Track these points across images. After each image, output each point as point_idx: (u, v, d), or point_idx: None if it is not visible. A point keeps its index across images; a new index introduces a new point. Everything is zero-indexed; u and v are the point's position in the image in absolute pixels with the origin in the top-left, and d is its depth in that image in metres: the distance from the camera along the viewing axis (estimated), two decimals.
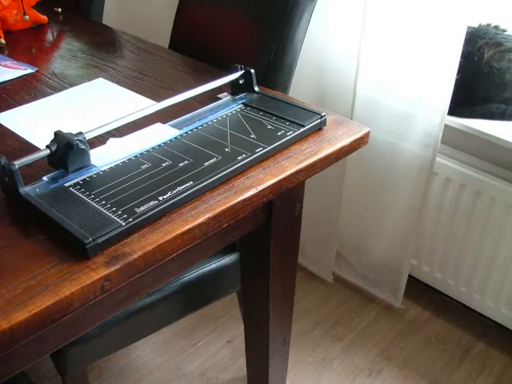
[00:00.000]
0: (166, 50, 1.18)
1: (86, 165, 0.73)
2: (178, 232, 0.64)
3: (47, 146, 0.71)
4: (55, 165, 0.72)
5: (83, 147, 0.71)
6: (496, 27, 1.34)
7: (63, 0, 1.42)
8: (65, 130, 0.72)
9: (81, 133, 0.72)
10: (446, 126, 1.29)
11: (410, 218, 1.43)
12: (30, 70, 1.07)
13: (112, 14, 1.67)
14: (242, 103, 0.90)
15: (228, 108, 0.88)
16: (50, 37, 1.26)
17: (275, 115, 0.86)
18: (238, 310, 1.42)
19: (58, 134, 0.71)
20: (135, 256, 0.61)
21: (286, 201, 0.88)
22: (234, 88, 0.93)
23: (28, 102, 0.95)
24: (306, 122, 0.83)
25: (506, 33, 1.32)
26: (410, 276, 1.53)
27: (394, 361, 1.46)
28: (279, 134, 0.81)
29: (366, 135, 0.86)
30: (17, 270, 0.59)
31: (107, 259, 0.60)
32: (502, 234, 1.33)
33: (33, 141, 0.83)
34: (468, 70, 1.29)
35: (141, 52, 1.16)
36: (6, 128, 0.87)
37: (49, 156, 0.71)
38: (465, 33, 1.16)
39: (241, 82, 0.92)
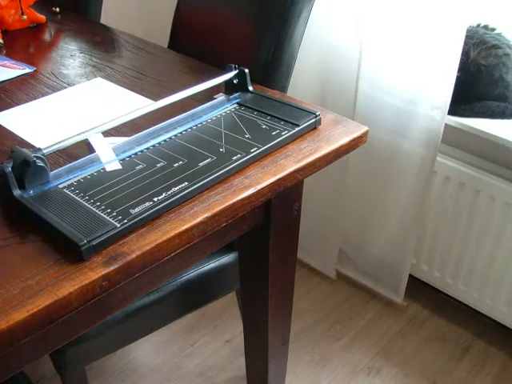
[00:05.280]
0: (165, 49, 1.18)
1: (45, 182, 0.69)
2: (176, 232, 0.64)
3: (2, 164, 0.66)
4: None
5: (41, 164, 0.68)
6: (485, 27, 1.35)
7: None
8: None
9: (39, 149, 0.69)
10: (445, 124, 1.29)
11: (411, 215, 1.43)
12: (28, 70, 1.07)
13: (110, 14, 1.67)
14: (237, 103, 0.90)
15: (222, 108, 0.88)
16: (48, 36, 1.26)
17: (270, 115, 0.86)
18: (237, 309, 1.42)
19: (14, 151, 0.67)
20: (133, 256, 0.61)
21: (284, 200, 0.88)
22: (228, 88, 0.93)
23: (26, 101, 0.95)
24: (300, 121, 0.83)
25: (494, 32, 1.33)
26: (409, 275, 1.53)
27: (394, 359, 1.46)
28: (274, 133, 0.81)
29: (365, 134, 0.86)
30: (15, 270, 0.59)
31: (105, 259, 0.60)
32: (501, 232, 1.33)
33: (31, 140, 0.83)
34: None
35: (139, 51, 1.16)
36: (4, 128, 0.87)
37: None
38: (465, 30, 1.16)
39: (235, 81, 0.91)
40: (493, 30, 1.34)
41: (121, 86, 1.00)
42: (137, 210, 0.65)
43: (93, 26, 1.33)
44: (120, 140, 0.80)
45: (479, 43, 1.29)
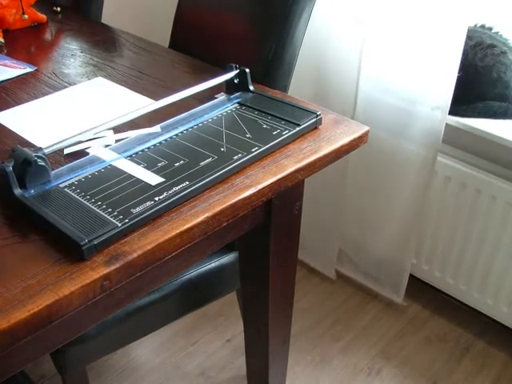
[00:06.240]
0: (166, 49, 1.18)
1: (46, 181, 0.69)
2: (178, 231, 0.64)
3: (3, 163, 0.66)
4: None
5: (42, 164, 0.68)
6: (482, 26, 1.35)
7: None
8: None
9: (40, 148, 0.69)
10: (446, 124, 1.29)
11: (412, 215, 1.43)
12: (29, 69, 1.07)
13: (111, 13, 1.67)
14: (237, 102, 0.90)
15: (223, 107, 0.88)
16: (49, 36, 1.26)
17: (270, 114, 0.86)
18: (238, 309, 1.42)
19: (15, 150, 0.67)
20: (135, 255, 0.61)
21: (285, 200, 0.88)
22: (229, 87, 0.93)
23: (27, 101, 0.95)
24: (301, 121, 0.83)
25: (492, 31, 1.34)
26: (409, 274, 1.53)
27: (394, 360, 1.46)
28: (275, 133, 0.81)
29: (365, 134, 0.86)
30: (16, 270, 0.59)
31: (107, 258, 0.60)
32: (502, 232, 1.33)
33: (32, 140, 0.83)
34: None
35: (140, 51, 1.16)
36: (4, 127, 0.87)
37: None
38: (466, 31, 1.16)
39: (236, 81, 0.91)
40: (490, 29, 1.34)
41: (122, 85, 1.00)
42: (138, 209, 0.65)
43: (94, 25, 1.33)
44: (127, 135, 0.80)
45: (476, 44, 1.29)
